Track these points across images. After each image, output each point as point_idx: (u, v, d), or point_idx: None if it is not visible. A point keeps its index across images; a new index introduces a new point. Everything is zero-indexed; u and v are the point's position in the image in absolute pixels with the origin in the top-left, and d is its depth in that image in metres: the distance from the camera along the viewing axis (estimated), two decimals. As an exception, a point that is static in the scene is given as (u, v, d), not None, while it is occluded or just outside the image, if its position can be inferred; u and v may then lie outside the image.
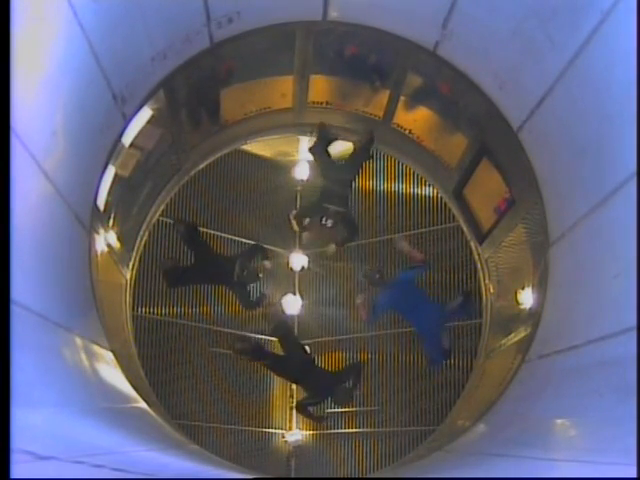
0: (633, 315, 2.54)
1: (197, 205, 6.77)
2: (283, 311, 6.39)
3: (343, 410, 6.40)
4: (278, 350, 6.01)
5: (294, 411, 6.85)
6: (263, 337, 6.69)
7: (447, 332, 5.76)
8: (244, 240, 6.90)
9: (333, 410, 6.29)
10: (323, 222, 6.01)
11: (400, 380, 6.56)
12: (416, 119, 5.69)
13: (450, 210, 6.22)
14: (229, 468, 4.69)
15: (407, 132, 5.80)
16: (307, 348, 6.21)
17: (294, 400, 6.88)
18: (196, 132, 5.61)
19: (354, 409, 6.55)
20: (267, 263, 6.08)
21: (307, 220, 6.31)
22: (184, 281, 5.98)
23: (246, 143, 6.31)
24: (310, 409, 5.83)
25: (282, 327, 6.06)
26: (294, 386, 6.88)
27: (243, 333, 6.68)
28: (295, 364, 5.69)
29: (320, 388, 5.62)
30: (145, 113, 4.47)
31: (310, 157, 6.95)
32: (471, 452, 3.94)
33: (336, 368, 6.50)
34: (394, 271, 6.69)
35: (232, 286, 5.85)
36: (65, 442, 2.22)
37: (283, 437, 6.84)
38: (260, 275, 5.90)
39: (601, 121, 3.08)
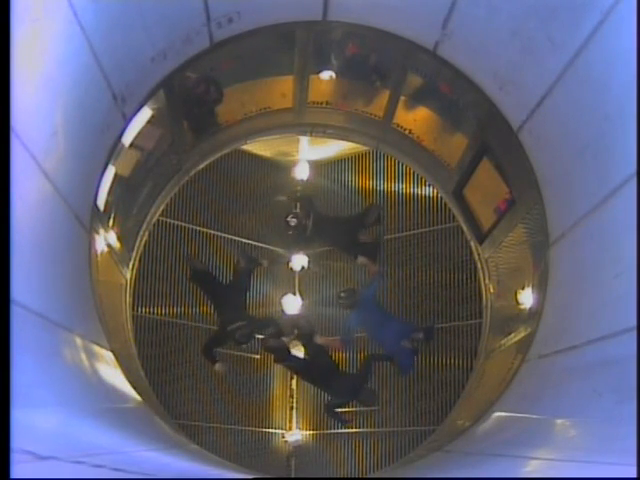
0: (633, 315, 2.54)
1: (197, 205, 6.78)
2: (308, 321, 6.34)
3: (343, 410, 6.39)
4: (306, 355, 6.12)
5: (294, 411, 6.86)
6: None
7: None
8: (244, 240, 6.90)
9: (339, 410, 6.27)
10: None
11: (400, 380, 6.56)
12: (416, 119, 5.68)
13: (450, 210, 6.21)
14: (229, 468, 4.70)
15: (407, 132, 5.79)
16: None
17: (294, 400, 6.89)
18: (196, 132, 5.60)
19: (354, 409, 6.54)
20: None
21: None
22: (203, 285, 6.07)
23: (246, 143, 6.30)
24: (336, 410, 5.97)
25: (304, 333, 6.08)
26: (294, 386, 6.90)
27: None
28: (319, 370, 5.82)
29: (346, 391, 5.80)
30: (145, 113, 4.47)
31: (310, 157, 6.96)
32: (471, 452, 3.93)
33: (356, 369, 6.47)
34: (396, 272, 6.70)
35: (224, 334, 5.72)
36: (65, 442, 2.22)
37: (283, 437, 6.84)
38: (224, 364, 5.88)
39: (601, 121, 3.08)
